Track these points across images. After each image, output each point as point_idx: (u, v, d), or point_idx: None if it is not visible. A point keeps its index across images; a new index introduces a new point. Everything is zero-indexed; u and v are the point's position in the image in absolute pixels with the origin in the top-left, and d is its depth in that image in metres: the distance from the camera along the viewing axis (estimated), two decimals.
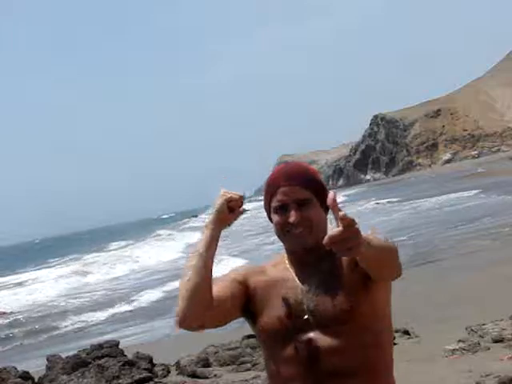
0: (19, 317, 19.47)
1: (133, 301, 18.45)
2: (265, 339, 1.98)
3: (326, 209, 1.95)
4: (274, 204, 1.93)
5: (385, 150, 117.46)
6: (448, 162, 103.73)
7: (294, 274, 1.97)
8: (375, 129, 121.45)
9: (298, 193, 1.90)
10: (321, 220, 1.94)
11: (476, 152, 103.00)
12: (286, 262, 2.01)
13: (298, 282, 1.95)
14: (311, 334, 1.89)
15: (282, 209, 1.91)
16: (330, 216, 1.77)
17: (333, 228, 1.67)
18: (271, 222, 1.98)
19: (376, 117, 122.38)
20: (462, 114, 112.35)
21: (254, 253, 25.00)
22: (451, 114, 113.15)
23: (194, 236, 44.94)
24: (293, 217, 1.88)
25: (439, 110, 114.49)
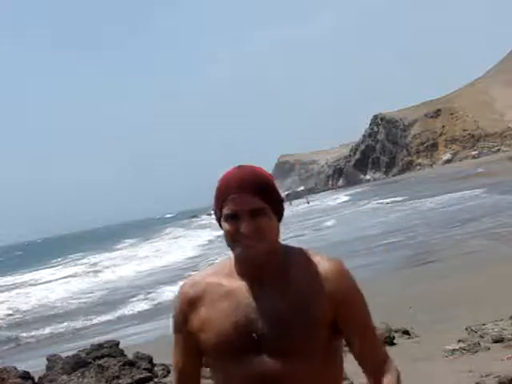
0: (25, 317, 19.49)
1: (138, 301, 18.48)
2: (211, 356, 1.87)
3: (280, 217, 1.87)
4: (225, 211, 1.81)
5: (385, 150, 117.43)
6: (448, 162, 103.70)
7: (244, 288, 1.85)
8: (375, 129, 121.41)
9: (250, 201, 1.79)
10: (273, 230, 1.83)
11: (476, 152, 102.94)
12: (235, 271, 1.88)
13: (249, 297, 1.83)
14: (260, 356, 1.79)
15: (234, 217, 1.79)
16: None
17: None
18: (221, 228, 1.85)
19: (376, 117, 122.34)
20: (461, 114, 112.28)
21: None
22: (451, 114, 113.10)
23: (206, 234, 45.03)
24: (244, 227, 1.77)
25: (439, 110, 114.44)
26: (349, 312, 1.83)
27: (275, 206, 1.84)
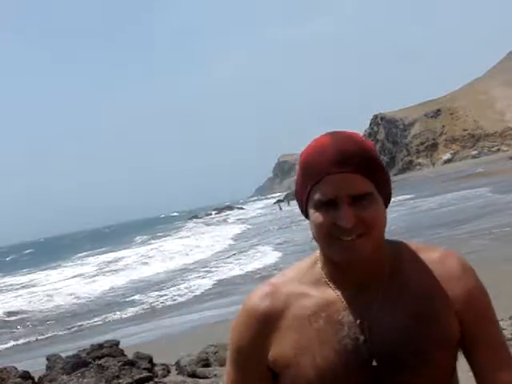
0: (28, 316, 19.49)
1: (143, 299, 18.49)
2: None
3: (387, 202, 1.36)
4: (318, 196, 1.29)
5: (385, 149, 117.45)
6: (448, 161, 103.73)
7: (343, 300, 1.34)
8: (375, 128, 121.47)
9: (354, 184, 1.27)
10: (382, 221, 1.32)
11: (476, 152, 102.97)
12: (324, 276, 1.38)
13: (353, 312, 1.32)
14: None
15: (329, 205, 1.28)
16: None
17: None
18: (306, 217, 1.36)
19: (376, 117, 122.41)
20: (461, 113, 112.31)
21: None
22: (451, 114, 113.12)
23: (220, 230, 45.10)
24: (346, 219, 1.26)
25: (439, 110, 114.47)
26: (477, 322, 1.42)
27: (383, 186, 1.33)
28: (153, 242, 47.68)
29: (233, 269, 20.97)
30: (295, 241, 26.45)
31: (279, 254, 22.19)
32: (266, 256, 22.50)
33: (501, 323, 6.91)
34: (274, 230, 37.17)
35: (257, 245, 28.30)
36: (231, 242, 33.61)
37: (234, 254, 25.89)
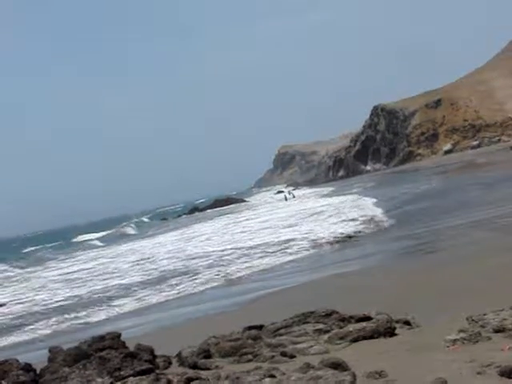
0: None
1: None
2: None
3: None
4: None
5: (385, 140, 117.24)
6: (448, 152, 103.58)
7: None
8: (375, 119, 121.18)
9: None
10: None
11: (476, 142, 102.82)
12: None
13: None
14: None
15: None
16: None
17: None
18: None
19: (376, 107, 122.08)
20: (462, 104, 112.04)
21: None
22: (451, 105, 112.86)
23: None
24: None
25: (439, 101, 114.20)
26: None
27: None
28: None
29: None
30: None
31: None
32: None
33: (502, 313, 6.91)
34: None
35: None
36: None
37: None
